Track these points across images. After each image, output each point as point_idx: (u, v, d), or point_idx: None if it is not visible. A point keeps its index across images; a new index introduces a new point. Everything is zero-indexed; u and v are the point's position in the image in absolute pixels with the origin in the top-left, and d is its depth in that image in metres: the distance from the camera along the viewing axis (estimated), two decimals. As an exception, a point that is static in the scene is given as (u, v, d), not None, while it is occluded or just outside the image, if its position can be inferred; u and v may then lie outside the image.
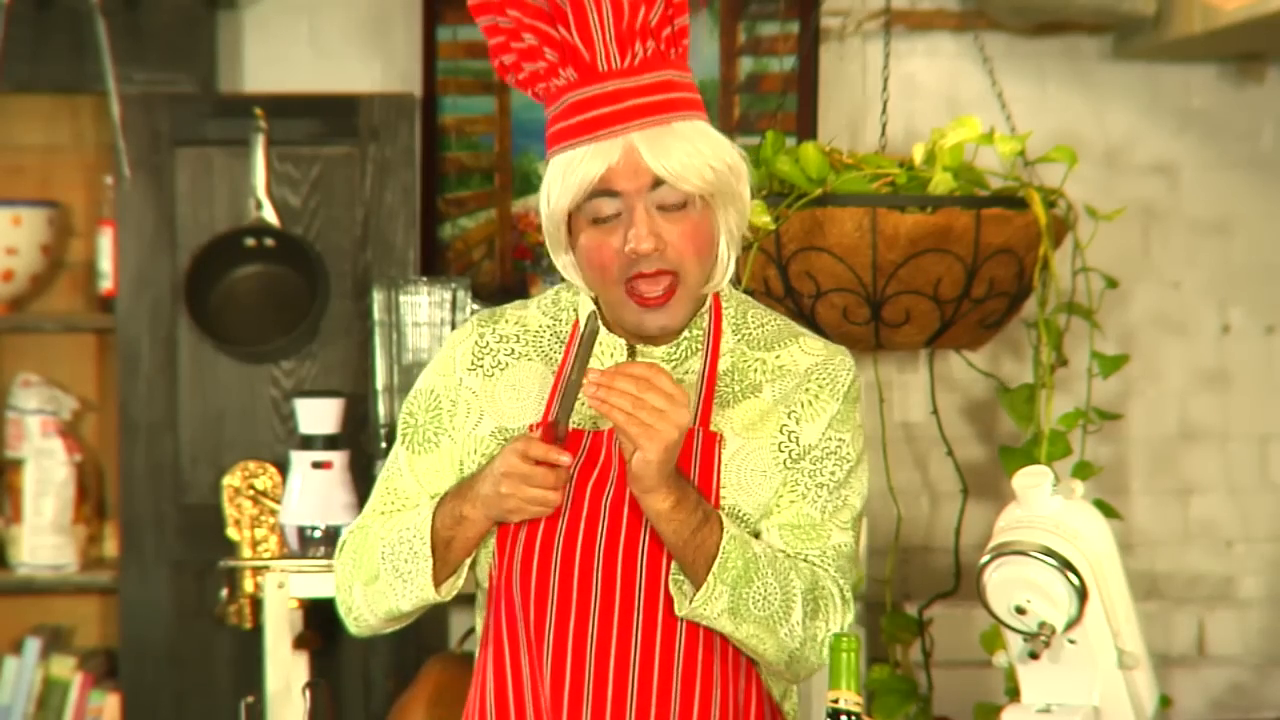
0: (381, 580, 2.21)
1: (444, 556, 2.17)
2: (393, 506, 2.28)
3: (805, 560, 2.19)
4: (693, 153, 2.09)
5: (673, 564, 2.13)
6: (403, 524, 2.21)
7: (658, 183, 2.09)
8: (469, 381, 2.24)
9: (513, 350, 2.25)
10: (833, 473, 2.21)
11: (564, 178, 2.11)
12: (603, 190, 2.10)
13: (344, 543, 2.30)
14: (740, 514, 2.18)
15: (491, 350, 2.25)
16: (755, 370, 2.22)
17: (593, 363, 2.19)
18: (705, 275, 2.17)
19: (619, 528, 2.14)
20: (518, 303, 2.33)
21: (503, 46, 2.16)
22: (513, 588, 2.17)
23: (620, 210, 2.10)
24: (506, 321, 2.28)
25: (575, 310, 2.26)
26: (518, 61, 2.15)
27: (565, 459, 2.08)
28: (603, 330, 2.20)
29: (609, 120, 2.09)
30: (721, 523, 2.11)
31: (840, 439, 2.22)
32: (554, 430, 2.08)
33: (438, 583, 2.17)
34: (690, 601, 2.10)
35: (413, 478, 2.28)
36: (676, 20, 2.14)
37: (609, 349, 2.21)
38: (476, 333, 2.27)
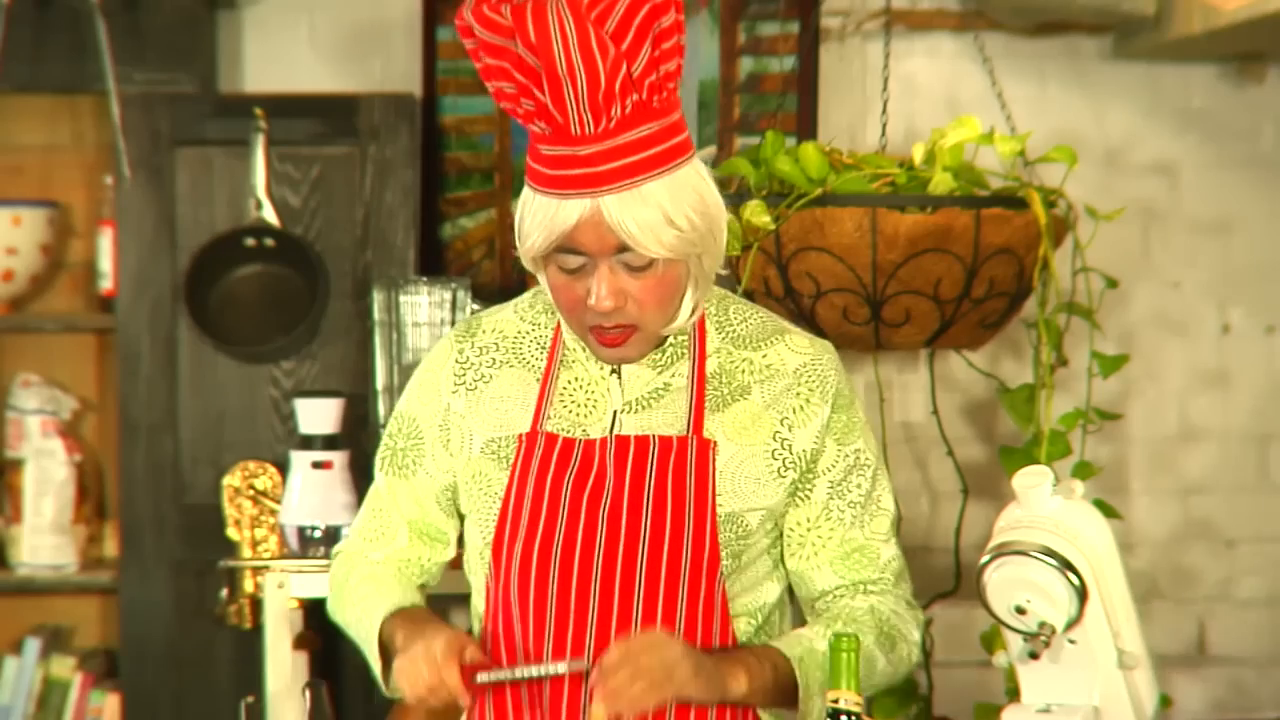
0: (355, 638, 2.28)
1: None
2: (376, 532, 2.32)
3: (865, 592, 2.23)
4: (658, 221, 2.04)
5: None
6: (361, 612, 2.26)
7: (623, 247, 2.06)
8: (456, 405, 2.24)
9: (494, 360, 2.25)
10: (859, 485, 2.23)
11: (532, 221, 2.08)
12: (569, 248, 2.07)
13: (333, 571, 2.36)
14: (737, 519, 2.18)
15: (473, 365, 2.25)
16: (743, 371, 2.21)
17: (580, 371, 2.21)
18: (669, 319, 2.15)
19: (617, 537, 2.14)
20: (493, 309, 2.32)
21: (486, 75, 2.11)
22: (510, 599, 2.17)
23: (585, 263, 2.09)
24: (484, 332, 2.27)
25: (553, 312, 2.25)
26: (498, 94, 2.11)
27: (464, 702, 2.07)
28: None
29: (579, 182, 2.04)
30: (783, 653, 2.14)
31: (855, 448, 2.23)
32: (474, 677, 2.07)
33: (388, 681, 2.19)
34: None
35: (393, 502, 2.31)
36: (664, 65, 2.05)
37: (594, 357, 2.21)
38: (455, 349, 2.26)
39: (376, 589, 2.27)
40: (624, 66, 2.01)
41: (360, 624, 2.26)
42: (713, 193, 2.11)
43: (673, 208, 2.05)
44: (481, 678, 2.07)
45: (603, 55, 2.00)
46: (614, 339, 2.12)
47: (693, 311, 2.17)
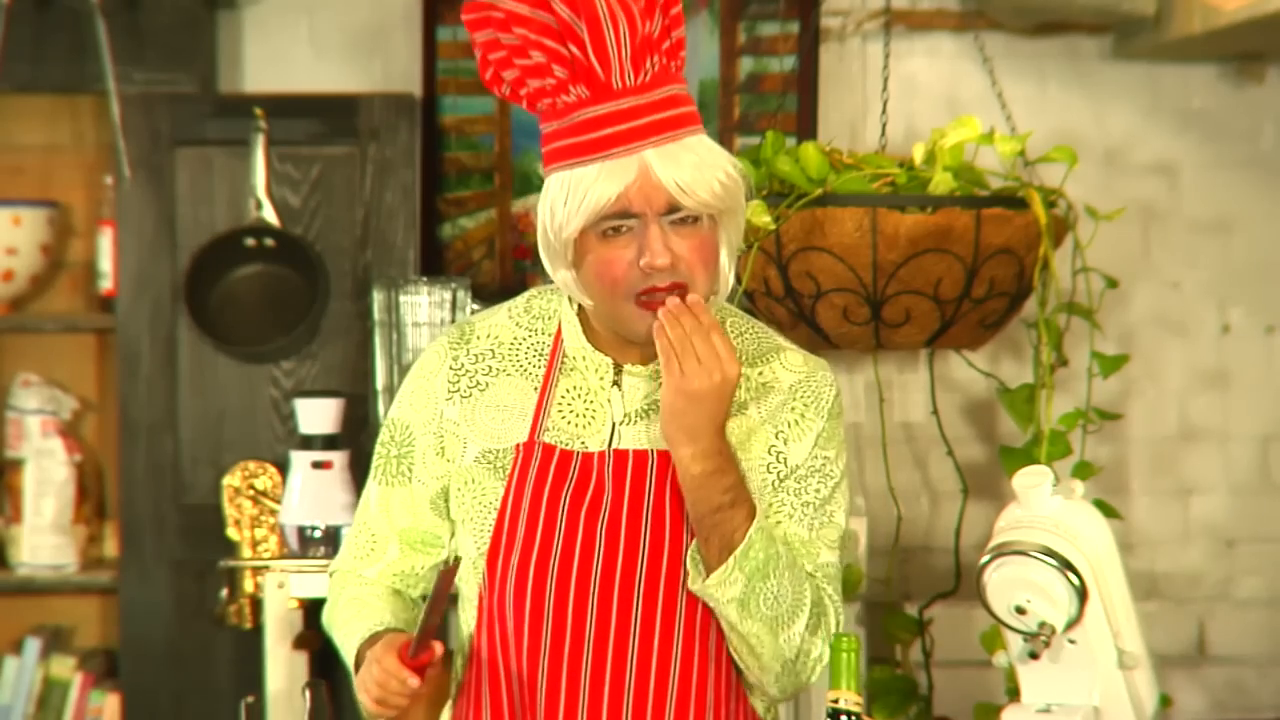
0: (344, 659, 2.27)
1: None
2: (367, 548, 2.30)
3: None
4: (703, 167, 2.07)
5: (694, 539, 2.12)
6: (344, 635, 2.25)
7: (672, 207, 2.07)
8: (450, 413, 2.22)
9: (490, 368, 2.23)
10: (818, 490, 2.20)
11: (574, 198, 2.07)
12: (615, 213, 2.07)
13: (329, 588, 2.34)
14: None
15: (468, 372, 2.23)
16: (740, 387, 2.19)
17: (579, 380, 2.19)
18: (711, 287, 2.14)
19: (616, 552, 2.13)
20: (485, 313, 2.30)
21: (504, 62, 2.11)
22: (505, 612, 2.16)
23: (633, 225, 2.08)
24: (478, 338, 2.25)
25: (551, 318, 2.24)
26: (521, 78, 2.10)
27: (412, 682, 2.05)
28: (589, 349, 2.19)
29: (624, 138, 2.06)
30: (753, 512, 2.10)
31: (825, 456, 2.21)
32: (411, 649, 2.06)
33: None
34: (704, 580, 2.10)
35: (383, 514, 2.28)
36: (674, 33, 2.11)
37: (594, 367, 2.20)
38: (450, 356, 2.24)
39: (358, 612, 2.26)
40: (645, 24, 2.07)
41: (344, 646, 2.26)
42: (733, 160, 2.14)
43: (711, 159, 2.09)
44: (410, 651, 2.06)
45: (636, 3, 2.06)
46: (667, 295, 2.10)
47: (729, 284, 2.17)
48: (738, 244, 2.17)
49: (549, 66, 2.08)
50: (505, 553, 2.16)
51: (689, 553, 2.12)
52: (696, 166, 2.07)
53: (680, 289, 2.10)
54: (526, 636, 2.14)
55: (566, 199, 2.08)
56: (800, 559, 2.18)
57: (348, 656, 2.23)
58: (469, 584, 2.22)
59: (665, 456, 2.15)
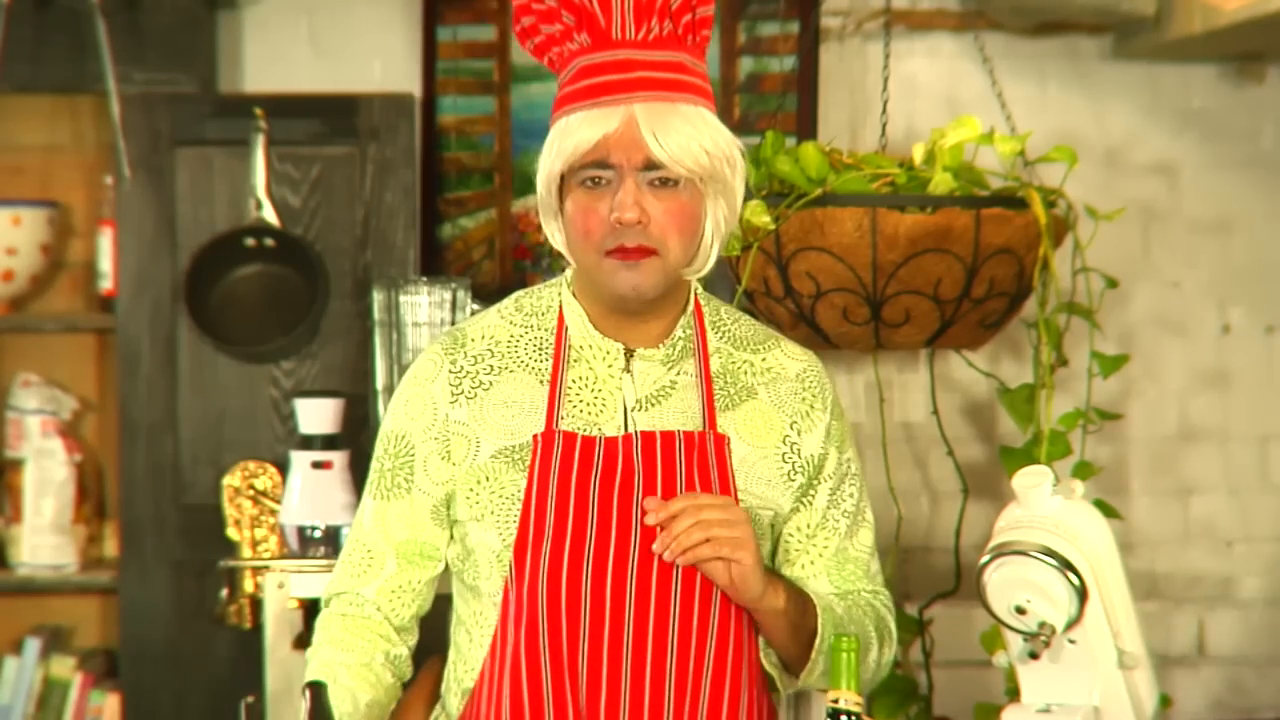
0: None
1: None
2: (363, 566, 2.28)
3: (863, 594, 2.28)
4: (691, 135, 2.08)
5: (760, 640, 2.20)
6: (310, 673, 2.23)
7: (650, 164, 2.08)
8: (456, 415, 2.21)
9: (491, 367, 2.22)
10: (851, 494, 2.28)
11: (560, 140, 2.10)
12: (596, 161, 2.09)
13: (319, 618, 2.31)
14: (755, 518, 2.19)
15: (469, 373, 2.22)
16: (745, 372, 2.23)
17: (589, 369, 2.20)
18: (686, 257, 2.15)
19: (653, 533, 2.13)
20: (475, 318, 2.30)
21: (525, 8, 2.16)
22: (537, 601, 2.15)
23: (611, 178, 2.10)
24: (473, 340, 2.25)
25: (545, 313, 2.25)
26: (536, 24, 2.15)
27: None
28: (596, 336, 2.20)
29: (614, 88, 2.09)
30: (810, 599, 2.19)
31: (849, 458, 2.28)
32: None
33: None
34: (798, 678, 2.20)
35: (379, 529, 2.26)
36: (699, 9, 2.13)
37: (603, 355, 2.20)
38: (447, 361, 2.24)
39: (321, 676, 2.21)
40: None
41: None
42: (734, 141, 2.15)
43: (702, 131, 2.10)
44: None
45: None
46: (634, 255, 2.11)
47: (709, 261, 2.17)
48: (728, 227, 2.18)
49: (558, 11, 2.12)
50: (535, 542, 2.15)
51: (766, 662, 2.20)
52: (683, 135, 2.08)
53: (649, 253, 2.11)
54: (565, 623, 2.13)
55: (556, 141, 2.11)
56: (858, 581, 2.28)
57: None
58: (490, 580, 2.20)
59: (689, 437, 2.17)
